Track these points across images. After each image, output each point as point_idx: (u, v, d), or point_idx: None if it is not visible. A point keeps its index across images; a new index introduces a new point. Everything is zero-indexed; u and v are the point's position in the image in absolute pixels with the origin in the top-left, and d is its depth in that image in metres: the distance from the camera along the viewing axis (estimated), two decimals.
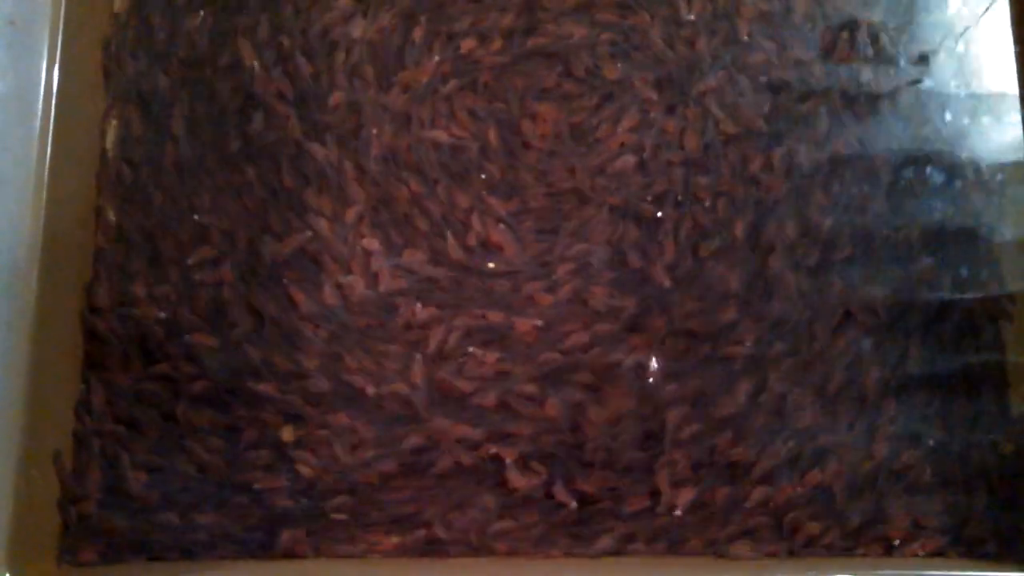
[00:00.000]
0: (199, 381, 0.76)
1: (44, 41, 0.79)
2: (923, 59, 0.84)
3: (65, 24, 0.80)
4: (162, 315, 0.77)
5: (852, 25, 0.84)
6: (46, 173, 0.77)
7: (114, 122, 0.81)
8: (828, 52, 0.83)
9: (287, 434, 0.75)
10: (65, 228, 0.78)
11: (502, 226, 0.79)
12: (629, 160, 0.80)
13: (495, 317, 0.77)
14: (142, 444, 0.75)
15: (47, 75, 0.79)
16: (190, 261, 0.78)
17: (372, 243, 0.78)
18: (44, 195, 0.77)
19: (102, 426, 0.75)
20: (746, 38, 0.83)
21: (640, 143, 0.80)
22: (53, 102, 0.79)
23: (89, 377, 0.76)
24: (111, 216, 0.79)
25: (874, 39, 0.84)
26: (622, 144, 0.80)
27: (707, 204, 0.79)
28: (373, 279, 0.78)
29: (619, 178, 0.80)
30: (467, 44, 0.82)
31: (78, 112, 0.80)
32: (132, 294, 0.78)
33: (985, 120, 0.83)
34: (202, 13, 0.82)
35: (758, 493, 0.74)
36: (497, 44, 0.82)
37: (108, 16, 0.83)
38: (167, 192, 0.79)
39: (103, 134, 0.81)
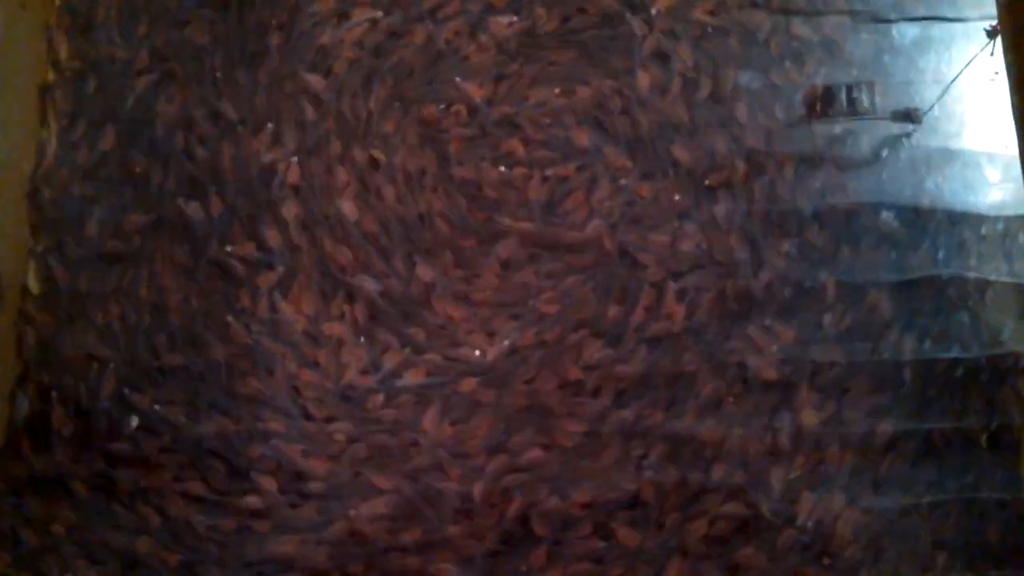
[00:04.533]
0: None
1: None
2: (907, 116, 0.80)
3: None
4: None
5: (833, 86, 0.80)
6: None
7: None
8: (809, 112, 0.79)
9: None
10: None
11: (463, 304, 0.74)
12: (601, 226, 0.76)
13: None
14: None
15: None
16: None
17: (338, 328, 0.74)
18: None
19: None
20: (726, 97, 0.79)
21: (613, 209, 0.76)
22: None
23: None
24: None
25: (854, 99, 0.80)
26: (592, 211, 0.76)
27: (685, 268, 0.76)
28: (340, 369, 0.73)
29: (595, 245, 0.76)
30: (430, 112, 0.78)
31: None
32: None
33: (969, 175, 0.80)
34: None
35: None
36: (464, 115, 0.78)
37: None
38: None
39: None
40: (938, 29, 0.82)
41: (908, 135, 0.79)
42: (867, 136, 0.79)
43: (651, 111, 0.78)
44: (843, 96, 0.79)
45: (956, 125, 0.80)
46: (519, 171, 0.77)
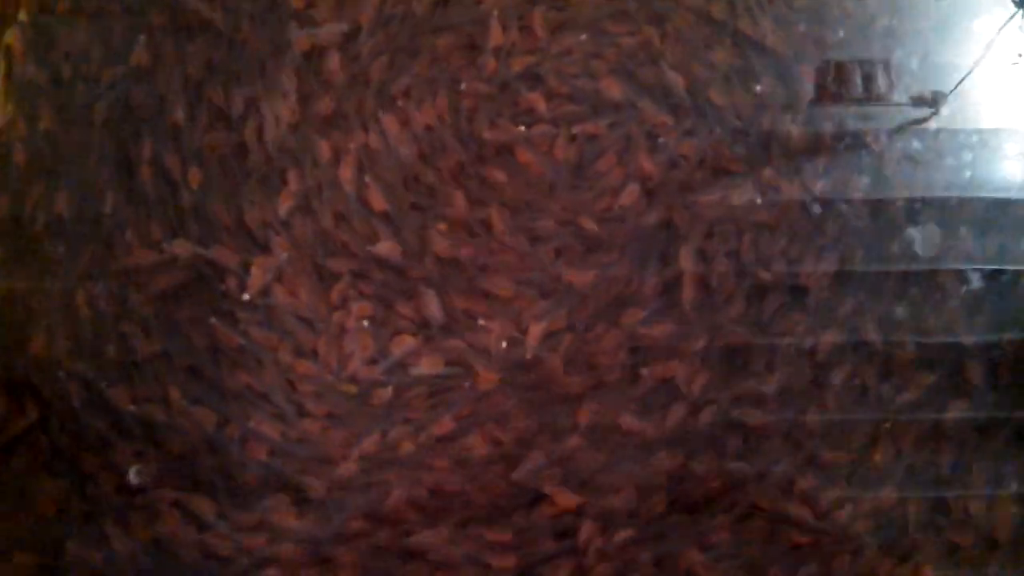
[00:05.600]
0: None
1: None
2: (925, 100, 0.71)
3: None
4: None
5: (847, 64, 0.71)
6: None
7: None
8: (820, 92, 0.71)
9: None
10: None
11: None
12: (634, 191, 0.67)
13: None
14: None
15: None
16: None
17: (339, 313, 0.65)
18: None
19: None
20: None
21: (649, 171, 0.67)
22: None
23: None
24: None
25: (870, 80, 0.71)
26: (627, 175, 0.67)
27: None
28: (342, 359, 0.65)
29: (627, 212, 0.67)
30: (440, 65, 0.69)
31: None
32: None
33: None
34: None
35: None
36: (490, 66, 0.69)
37: None
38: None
39: None
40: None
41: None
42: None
43: (690, 61, 0.69)
44: (857, 77, 0.71)
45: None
46: (541, 128, 0.68)
